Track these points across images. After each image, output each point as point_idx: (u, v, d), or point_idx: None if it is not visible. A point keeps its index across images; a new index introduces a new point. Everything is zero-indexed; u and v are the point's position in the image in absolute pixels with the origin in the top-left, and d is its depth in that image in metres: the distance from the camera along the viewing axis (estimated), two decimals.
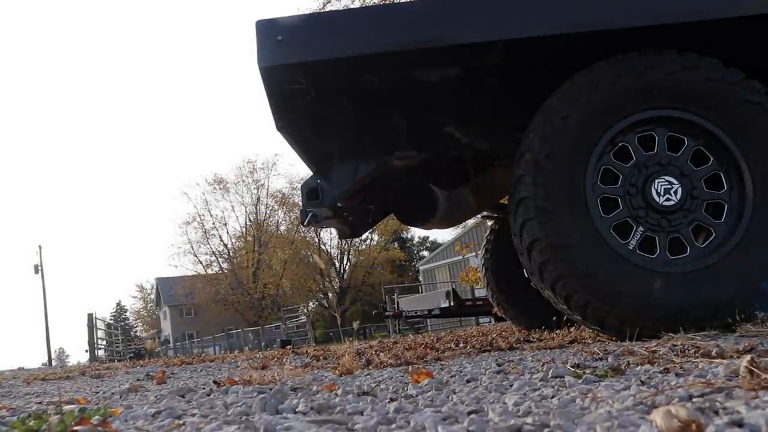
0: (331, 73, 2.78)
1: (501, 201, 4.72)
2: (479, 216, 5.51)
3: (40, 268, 34.55)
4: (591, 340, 2.89)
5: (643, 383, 1.37)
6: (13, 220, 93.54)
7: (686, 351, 1.84)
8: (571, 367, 1.71)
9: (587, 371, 1.62)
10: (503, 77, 3.01)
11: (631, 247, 2.55)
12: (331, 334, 33.49)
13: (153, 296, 56.91)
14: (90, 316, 18.03)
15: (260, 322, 33.43)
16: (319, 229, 29.25)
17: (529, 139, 2.64)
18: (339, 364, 2.64)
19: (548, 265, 2.55)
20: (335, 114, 3.17)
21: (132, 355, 23.35)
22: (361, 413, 1.29)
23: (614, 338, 2.64)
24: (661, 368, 1.57)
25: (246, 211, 39.56)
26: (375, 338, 17.07)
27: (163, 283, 51.38)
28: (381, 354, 3.09)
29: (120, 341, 24.03)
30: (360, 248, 39.67)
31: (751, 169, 2.55)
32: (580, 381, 1.50)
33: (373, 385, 1.81)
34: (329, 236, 36.99)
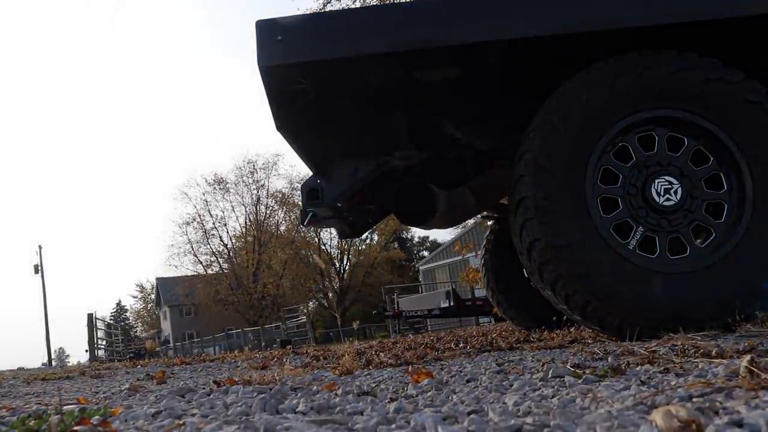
0: (331, 73, 2.78)
1: (501, 201, 4.73)
2: (479, 216, 5.52)
3: (40, 268, 34.58)
4: (591, 340, 2.89)
5: (643, 383, 1.37)
6: (13, 220, 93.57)
7: (686, 351, 1.84)
8: (571, 367, 1.71)
9: (587, 371, 1.62)
10: (503, 77, 3.01)
11: (631, 247, 2.55)
12: (331, 334, 33.49)
13: (153, 296, 56.92)
14: (90, 316, 18.03)
15: (260, 322, 33.42)
16: (319, 229, 29.30)
17: (529, 139, 2.64)
18: (339, 364, 2.64)
19: (548, 265, 2.55)
20: (335, 114, 3.17)
21: (132, 355, 23.34)
22: (361, 413, 1.29)
23: (614, 338, 2.64)
24: (661, 368, 1.57)
25: (246, 211, 39.61)
26: (375, 338, 17.08)
27: (163, 283, 51.36)
28: (381, 354, 3.09)
29: (120, 341, 24.03)
30: (360, 248, 39.70)
31: (751, 169, 2.55)
32: (580, 381, 1.50)
33: (373, 385, 1.81)
34: (329, 236, 37.05)
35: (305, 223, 3.59)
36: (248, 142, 78.37)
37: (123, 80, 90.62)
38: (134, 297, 60.60)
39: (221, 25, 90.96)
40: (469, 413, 1.17)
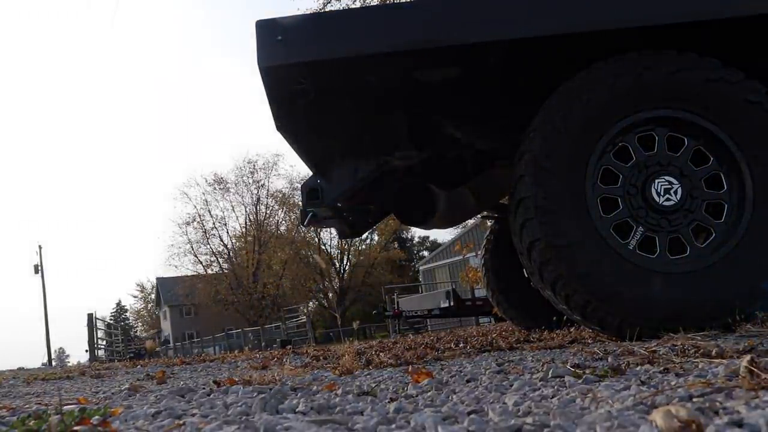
0: (331, 73, 2.78)
1: (501, 201, 4.73)
2: (479, 216, 5.52)
3: (40, 268, 34.59)
4: (591, 340, 2.89)
5: (643, 383, 1.37)
6: (13, 220, 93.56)
7: (686, 351, 1.84)
8: (571, 367, 1.71)
9: (587, 371, 1.62)
10: (503, 77, 3.01)
11: (631, 247, 2.55)
12: (331, 334, 33.49)
13: (153, 296, 56.91)
14: (90, 316, 18.04)
15: (260, 322, 33.42)
16: (319, 229, 29.30)
17: (529, 139, 2.64)
18: (339, 364, 2.64)
19: (548, 265, 2.55)
20: (335, 114, 3.17)
21: (132, 355, 23.34)
22: (361, 413, 1.29)
23: (614, 338, 2.64)
24: (661, 368, 1.57)
25: (246, 211, 39.59)
26: (375, 338, 17.08)
27: (163, 283, 51.35)
28: (381, 354, 3.09)
29: (120, 341, 24.04)
30: (360, 248, 39.69)
31: (751, 169, 2.55)
32: (580, 381, 1.50)
33: (373, 385, 1.81)
34: (329, 236, 37.03)
35: (305, 223, 3.59)
36: (248, 142, 78.37)
37: (123, 80, 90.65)
38: (134, 297, 60.67)
39: (221, 25, 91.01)
40: (469, 413, 1.17)
